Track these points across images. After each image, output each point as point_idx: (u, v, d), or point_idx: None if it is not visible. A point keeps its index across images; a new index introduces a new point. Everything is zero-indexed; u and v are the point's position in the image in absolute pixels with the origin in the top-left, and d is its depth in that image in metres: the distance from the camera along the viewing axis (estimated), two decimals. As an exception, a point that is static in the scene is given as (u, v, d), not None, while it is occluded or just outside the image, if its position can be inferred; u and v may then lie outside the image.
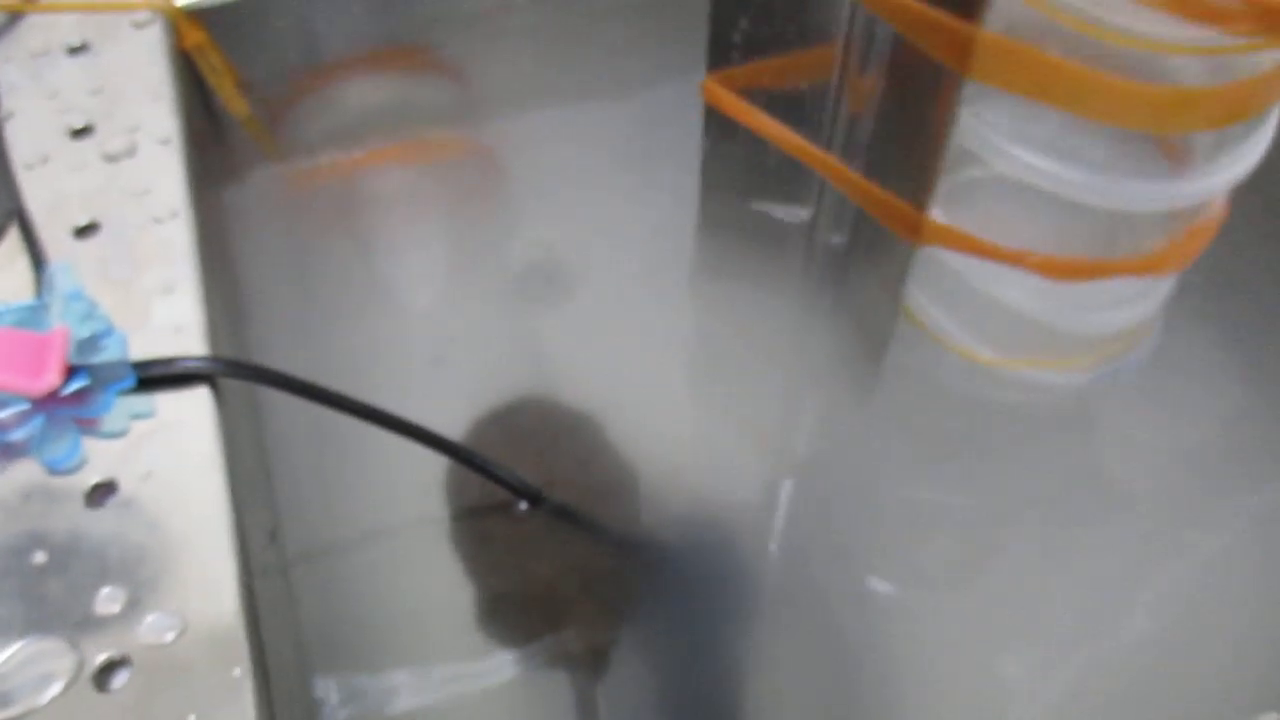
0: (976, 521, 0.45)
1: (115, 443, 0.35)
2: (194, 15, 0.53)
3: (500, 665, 0.41)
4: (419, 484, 0.46)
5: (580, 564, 0.44)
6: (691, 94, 0.49)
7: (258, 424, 0.44)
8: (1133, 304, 0.46)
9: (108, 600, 0.31)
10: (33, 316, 0.33)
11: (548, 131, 0.60)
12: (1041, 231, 0.42)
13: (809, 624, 0.42)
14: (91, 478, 0.34)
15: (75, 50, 0.49)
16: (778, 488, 0.46)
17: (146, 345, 0.37)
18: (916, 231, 0.42)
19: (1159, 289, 0.47)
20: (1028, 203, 0.41)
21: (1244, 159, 0.40)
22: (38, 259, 0.40)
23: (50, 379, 0.32)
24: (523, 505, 0.44)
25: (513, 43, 0.62)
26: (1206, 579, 0.43)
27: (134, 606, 0.31)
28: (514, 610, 0.43)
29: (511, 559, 0.44)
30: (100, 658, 0.30)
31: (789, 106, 0.47)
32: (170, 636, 0.31)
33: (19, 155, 0.44)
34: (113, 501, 0.34)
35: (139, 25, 0.51)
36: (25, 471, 0.34)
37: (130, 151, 0.44)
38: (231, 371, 0.37)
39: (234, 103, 0.57)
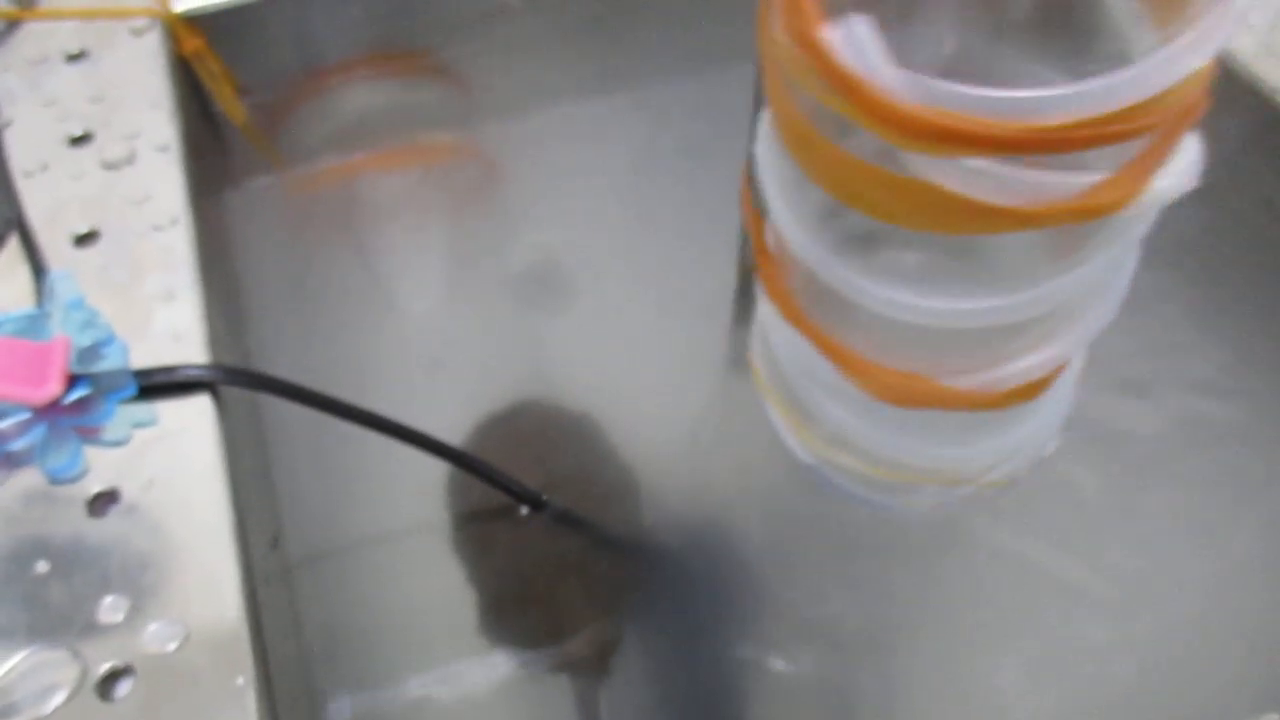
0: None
1: (117, 451, 0.35)
2: (192, 21, 0.53)
3: (503, 669, 0.41)
4: (420, 489, 0.46)
5: (582, 568, 0.44)
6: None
7: (259, 431, 0.44)
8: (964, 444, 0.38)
9: (110, 609, 0.31)
10: (33, 325, 0.33)
11: (546, 135, 0.60)
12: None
13: (813, 627, 0.42)
14: (93, 486, 0.34)
15: (74, 58, 0.49)
16: (780, 490, 0.46)
17: (147, 353, 0.37)
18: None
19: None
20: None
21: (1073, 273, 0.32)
22: (38, 267, 0.40)
23: (52, 388, 0.32)
24: (524, 510, 0.44)
25: (510, 47, 0.62)
26: (1206, 582, 0.43)
27: (137, 615, 0.31)
28: (516, 614, 0.43)
29: (513, 563, 0.44)
30: (103, 667, 0.30)
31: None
32: (173, 645, 0.31)
33: (18, 163, 0.44)
34: (115, 510, 0.34)
35: (137, 32, 0.51)
36: (27, 481, 0.34)
37: (129, 159, 0.44)
38: (232, 379, 0.37)
39: (233, 109, 0.57)
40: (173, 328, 0.38)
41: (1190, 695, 0.41)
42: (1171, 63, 0.25)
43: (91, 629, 0.31)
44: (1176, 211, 0.54)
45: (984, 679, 0.41)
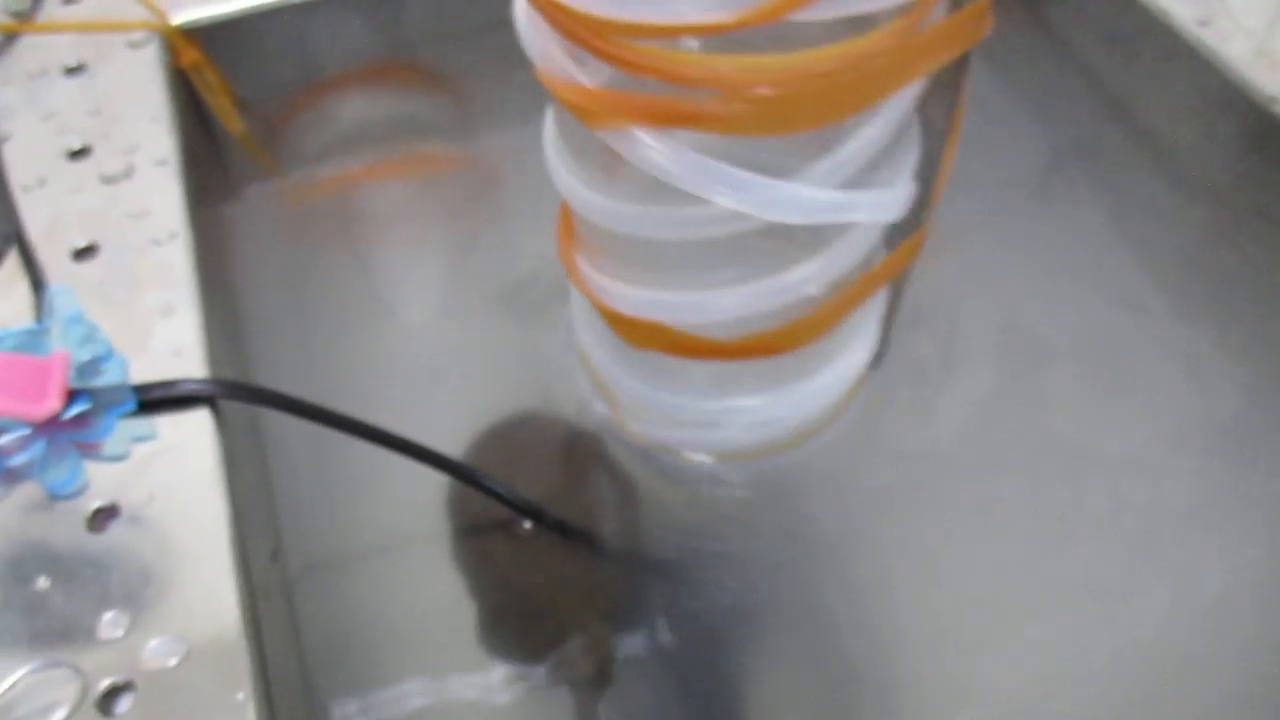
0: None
1: (116, 466, 0.35)
2: (190, 34, 0.53)
3: (503, 682, 0.41)
4: (420, 502, 0.46)
5: (582, 580, 0.44)
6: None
7: (259, 444, 0.44)
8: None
9: (111, 625, 0.31)
10: (33, 340, 0.33)
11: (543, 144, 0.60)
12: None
13: (810, 637, 0.43)
14: (93, 501, 0.34)
15: (72, 71, 0.49)
16: (780, 499, 0.46)
17: (147, 368, 0.37)
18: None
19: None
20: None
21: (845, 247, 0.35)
22: (37, 282, 0.40)
23: (51, 403, 0.32)
24: (524, 522, 0.44)
25: (507, 56, 0.62)
26: (1207, 586, 0.43)
27: (137, 630, 0.31)
28: (515, 627, 0.43)
29: (513, 576, 0.44)
30: (104, 683, 0.30)
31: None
32: (174, 661, 0.31)
33: (17, 178, 0.44)
34: (115, 525, 0.34)
35: (135, 45, 0.51)
36: (27, 496, 0.34)
37: (128, 173, 0.44)
38: (231, 393, 0.37)
39: (231, 121, 0.57)
40: (172, 342, 0.38)
41: (1188, 702, 0.41)
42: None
43: (92, 645, 0.31)
44: (1172, 218, 0.54)
45: (985, 684, 0.41)
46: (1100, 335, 0.51)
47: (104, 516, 0.34)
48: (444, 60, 0.61)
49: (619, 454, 0.47)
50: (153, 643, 0.31)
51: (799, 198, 0.31)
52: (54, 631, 0.31)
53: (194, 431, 0.36)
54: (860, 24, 0.28)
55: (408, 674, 0.41)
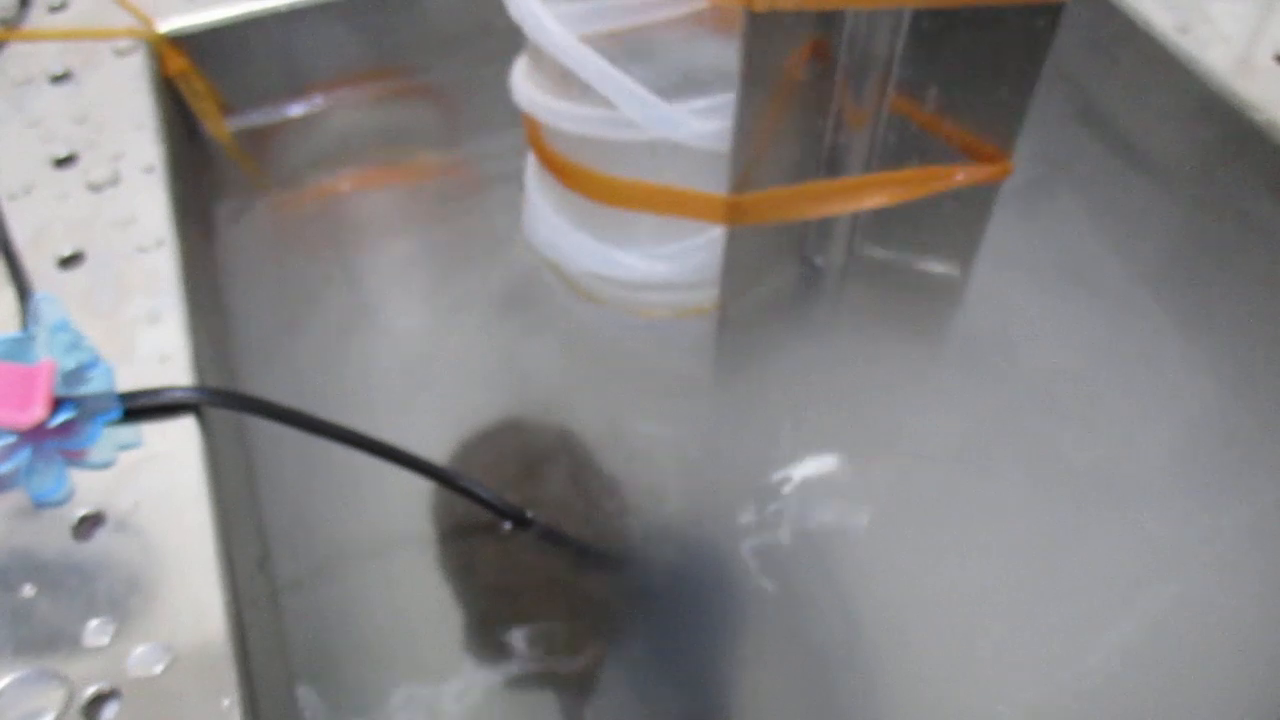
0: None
1: (102, 474, 0.35)
2: (177, 42, 0.53)
3: (488, 685, 0.41)
4: (405, 507, 0.46)
5: (567, 584, 0.44)
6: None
7: (245, 451, 0.44)
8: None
9: (96, 632, 0.31)
10: (18, 348, 0.33)
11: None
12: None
13: (796, 642, 0.43)
14: (79, 509, 0.34)
15: (58, 79, 0.49)
16: (764, 505, 0.47)
17: (133, 375, 0.37)
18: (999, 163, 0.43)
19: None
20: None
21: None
22: (23, 290, 0.40)
23: (37, 412, 0.32)
24: (508, 526, 0.44)
25: (494, 65, 0.62)
26: (1205, 589, 0.44)
27: (123, 638, 0.31)
28: (501, 630, 0.43)
29: (498, 580, 0.44)
30: (89, 691, 0.30)
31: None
32: (159, 668, 0.31)
33: (3, 185, 0.44)
34: (100, 533, 0.34)
35: (121, 53, 0.51)
36: (12, 504, 0.34)
37: (114, 180, 0.44)
38: (217, 401, 0.37)
39: (218, 128, 0.57)
40: (158, 349, 0.38)
41: (1186, 707, 0.41)
42: None
43: (77, 652, 0.31)
44: (1154, 223, 0.55)
45: (971, 688, 0.41)
46: (1087, 341, 0.52)
47: (90, 524, 0.34)
48: (430, 68, 0.62)
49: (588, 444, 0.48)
50: (138, 650, 0.31)
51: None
52: (39, 639, 0.31)
53: (180, 439, 0.36)
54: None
55: (393, 677, 0.41)
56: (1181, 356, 0.51)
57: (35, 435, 0.32)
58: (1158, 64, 0.52)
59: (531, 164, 0.52)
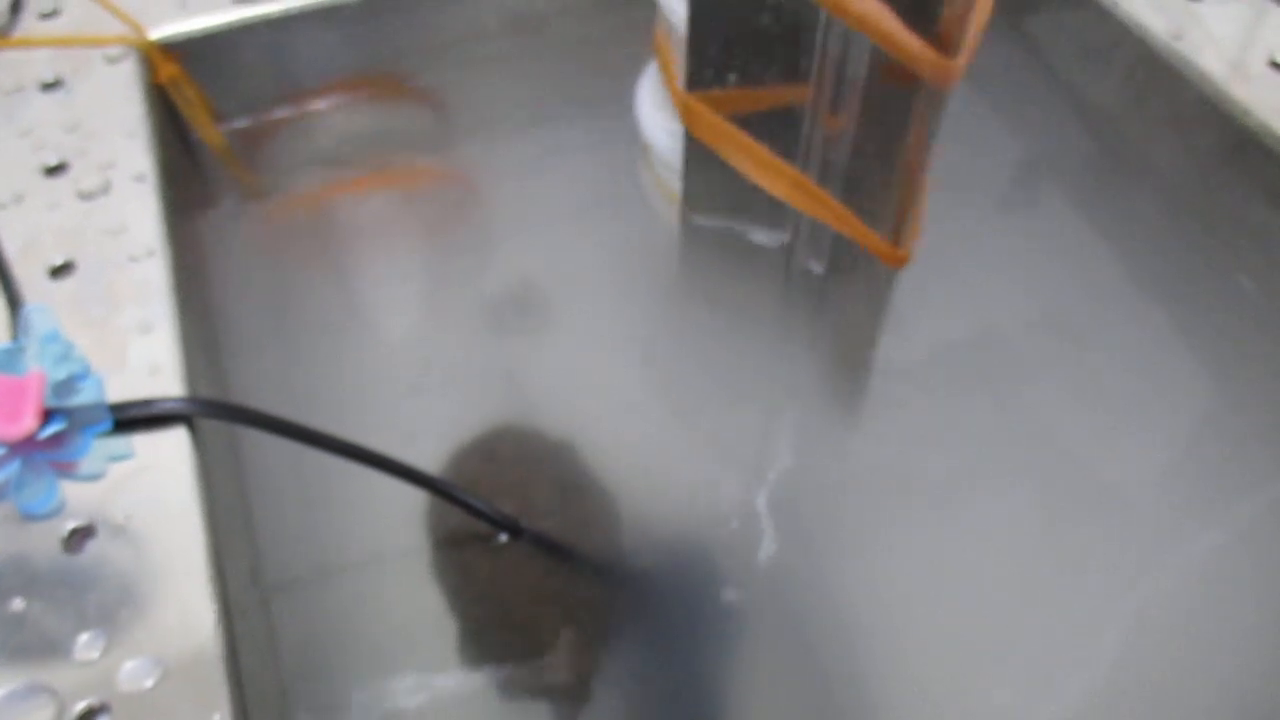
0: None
1: (93, 486, 0.34)
2: (168, 49, 0.53)
3: (481, 694, 0.41)
4: (398, 516, 0.45)
5: (561, 593, 0.44)
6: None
7: (237, 461, 0.44)
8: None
9: (87, 646, 0.31)
10: (8, 359, 0.33)
11: (525, 158, 0.60)
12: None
13: (790, 650, 0.43)
14: (69, 521, 0.34)
15: (48, 86, 0.49)
16: (758, 513, 0.46)
17: (124, 386, 0.37)
18: (891, 257, 0.43)
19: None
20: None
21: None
22: (13, 300, 0.40)
23: (27, 423, 0.32)
24: (502, 536, 0.44)
25: (486, 70, 0.62)
26: (1204, 591, 0.44)
27: (113, 652, 0.31)
28: (494, 639, 0.43)
29: (491, 589, 0.44)
30: (80, 705, 0.30)
31: (767, 129, 0.47)
32: (150, 682, 0.31)
33: (-7, 195, 0.44)
34: (91, 545, 0.34)
35: (112, 60, 0.51)
36: (2, 516, 0.34)
37: (105, 189, 0.44)
38: (208, 411, 0.37)
39: (210, 135, 0.57)
40: (149, 360, 0.38)
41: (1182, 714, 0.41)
42: None
43: (68, 666, 0.31)
44: (1149, 227, 0.55)
45: (966, 695, 0.41)
46: (1083, 343, 0.52)
47: (80, 536, 0.34)
48: (422, 74, 0.61)
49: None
50: (129, 664, 0.31)
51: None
52: (29, 653, 0.31)
53: (171, 450, 0.36)
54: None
55: (386, 686, 0.41)
56: (1178, 359, 0.51)
57: (25, 447, 0.32)
58: (1152, 69, 0.52)
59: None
